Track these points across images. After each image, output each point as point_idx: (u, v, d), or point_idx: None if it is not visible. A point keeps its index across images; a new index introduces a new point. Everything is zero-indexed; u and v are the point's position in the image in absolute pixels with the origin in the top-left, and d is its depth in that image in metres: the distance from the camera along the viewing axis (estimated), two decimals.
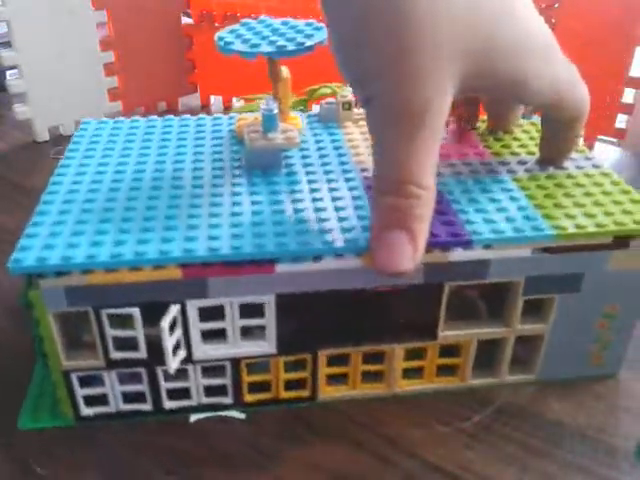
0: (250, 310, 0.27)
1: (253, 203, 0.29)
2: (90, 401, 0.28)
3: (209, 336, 0.27)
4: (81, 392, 0.27)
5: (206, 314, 0.26)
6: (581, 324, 0.30)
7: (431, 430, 0.29)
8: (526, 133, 0.38)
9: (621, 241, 0.28)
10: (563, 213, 0.29)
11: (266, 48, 0.30)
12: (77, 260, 0.23)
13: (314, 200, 0.29)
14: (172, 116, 0.39)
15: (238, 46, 0.30)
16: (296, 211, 0.28)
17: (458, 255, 0.27)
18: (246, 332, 0.27)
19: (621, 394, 0.31)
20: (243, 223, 0.27)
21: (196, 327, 0.26)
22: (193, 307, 0.25)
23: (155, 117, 0.38)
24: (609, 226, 0.28)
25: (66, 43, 0.51)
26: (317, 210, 0.28)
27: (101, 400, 0.28)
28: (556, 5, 0.58)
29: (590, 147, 0.61)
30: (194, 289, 0.25)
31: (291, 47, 0.30)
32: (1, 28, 0.50)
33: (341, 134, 0.37)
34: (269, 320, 0.27)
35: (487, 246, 0.27)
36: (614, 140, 0.61)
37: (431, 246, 0.26)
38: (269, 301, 0.26)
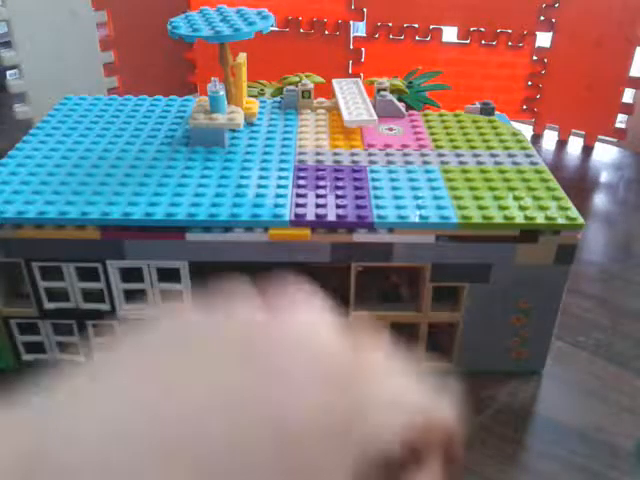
0: (170, 275, 0.31)
1: (183, 176, 0.33)
2: (30, 348, 0.32)
3: (136, 297, 0.31)
4: (21, 338, 0.32)
5: (130, 277, 0.30)
6: (496, 317, 0.31)
7: None
8: (478, 129, 0.40)
9: (529, 235, 0.29)
10: (477, 204, 0.31)
11: (206, 33, 0.34)
12: (8, 215, 0.29)
13: (241, 177, 0.33)
14: (146, 96, 0.44)
15: (181, 30, 0.34)
16: (219, 186, 0.32)
17: (362, 236, 0.29)
18: (172, 296, 0.31)
19: (621, 394, 0.32)
20: (165, 193, 0.31)
21: (118, 286, 0.30)
22: (113, 267, 0.30)
23: (130, 96, 0.43)
24: (516, 219, 0.29)
25: (66, 43, 0.55)
26: (239, 186, 0.32)
27: (39, 348, 0.32)
28: (556, 5, 0.60)
29: (590, 147, 0.62)
30: (112, 250, 0.29)
31: (228, 32, 0.34)
32: (1, 28, 0.55)
33: (296, 120, 0.41)
34: (185, 285, 0.30)
35: (391, 230, 0.29)
36: (614, 140, 0.62)
37: (337, 226, 0.29)
38: (183, 267, 0.30)
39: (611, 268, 0.43)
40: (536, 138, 0.65)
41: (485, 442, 0.29)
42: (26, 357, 0.32)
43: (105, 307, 0.31)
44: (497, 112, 0.43)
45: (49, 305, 0.31)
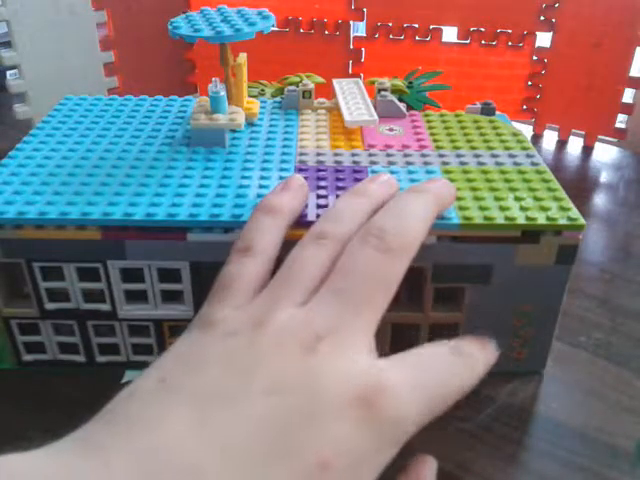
0: (171, 275, 0.31)
1: (184, 177, 0.33)
2: (30, 348, 0.32)
3: (136, 298, 0.31)
4: (21, 339, 0.32)
5: (131, 277, 0.31)
6: (497, 318, 0.31)
7: (431, 430, 0.28)
8: (479, 129, 0.40)
9: (530, 236, 0.29)
10: (478, 205, 0.30)
11: (206, 33, 0.34)
12: (9, 215, 0.29)
13: (242, 177, 0.33)
14: (146, 96, 0.44)
15: (182, 30, 0.34)
16: (220, 186, 0.32)
17: None
18: (172, 297, 0.31)
19: (621, 394, 0.32)
20: (166, 193, 0.31)
21: (119, 287, 0.30)
22: (114, 267, 0.30)
23: (130, 96, 0.44)
24: (518, 220, 0.29)
25: (66, 43, 0.55)
26: (240, 187, 0.32)
27: (40, 348, 0.32)
28: (556, 5, 0.60)
29: (590, 147, 0.62)
30: (113, 250, 0.29)
31: (229, 33, 0.34)
32: (1, 28, 0.55)
33: (297, 120, 0.41)
34: (185, 285, 0.30)
35: None
36: (614, 140, 0.62)
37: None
38: (184, 267, 0.30)
39: (611, 268, 0.43)
40: (536, 138, 0.65)
41: (485, 442, 0.29)
42: (26, 357, 0.33)
43: (106, 307, 0.31)
44: (497, 112, 0.43)
45: (50, 305, 0.31)
